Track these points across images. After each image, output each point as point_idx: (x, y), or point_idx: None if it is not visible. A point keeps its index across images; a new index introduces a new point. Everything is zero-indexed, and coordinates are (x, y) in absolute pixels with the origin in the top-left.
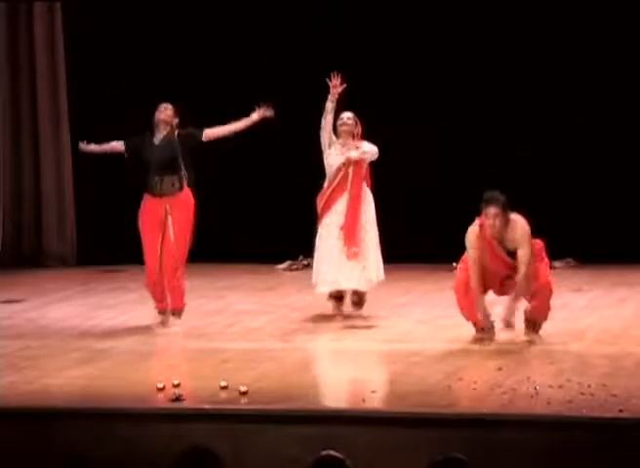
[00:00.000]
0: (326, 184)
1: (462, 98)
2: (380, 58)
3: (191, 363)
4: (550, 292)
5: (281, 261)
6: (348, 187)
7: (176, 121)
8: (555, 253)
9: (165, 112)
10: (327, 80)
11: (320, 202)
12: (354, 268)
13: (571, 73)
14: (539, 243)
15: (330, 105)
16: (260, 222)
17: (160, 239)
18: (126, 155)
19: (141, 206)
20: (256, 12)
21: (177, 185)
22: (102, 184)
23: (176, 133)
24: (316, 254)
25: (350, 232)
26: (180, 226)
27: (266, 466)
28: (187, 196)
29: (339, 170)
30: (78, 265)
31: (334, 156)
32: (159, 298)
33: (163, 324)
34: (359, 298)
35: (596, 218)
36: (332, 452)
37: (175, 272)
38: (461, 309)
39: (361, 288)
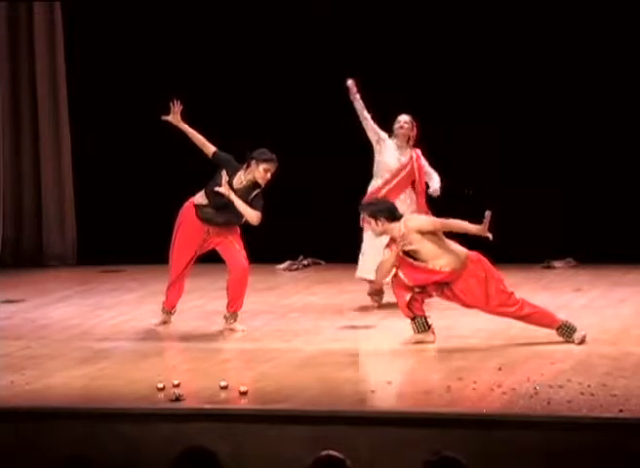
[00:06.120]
0: (381, 183)
1: (459, 99)
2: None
3: (191, 363)
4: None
5: (281, 261)
6: (417, 184)
7: None
8: (555, 253)
9: (264, 175)
10: (346, 83)
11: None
12: None
13: (570, 75)
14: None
15: (357, 105)
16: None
17: (193, 253)
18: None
19: (184, 211)
20: (265, 6)
21: (226, 225)
22: (103, 184)
23: (259, 195)
24: (362, 246)
25: None
26: (235, 238)
27: (266, 466)
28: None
29: (400, 169)
30: (78, 265)
31: (388, 156)
32: (169, 298)
33: (163, 323)
34: None
35: (596, 218)
36: (332, 452)
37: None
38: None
39: None
